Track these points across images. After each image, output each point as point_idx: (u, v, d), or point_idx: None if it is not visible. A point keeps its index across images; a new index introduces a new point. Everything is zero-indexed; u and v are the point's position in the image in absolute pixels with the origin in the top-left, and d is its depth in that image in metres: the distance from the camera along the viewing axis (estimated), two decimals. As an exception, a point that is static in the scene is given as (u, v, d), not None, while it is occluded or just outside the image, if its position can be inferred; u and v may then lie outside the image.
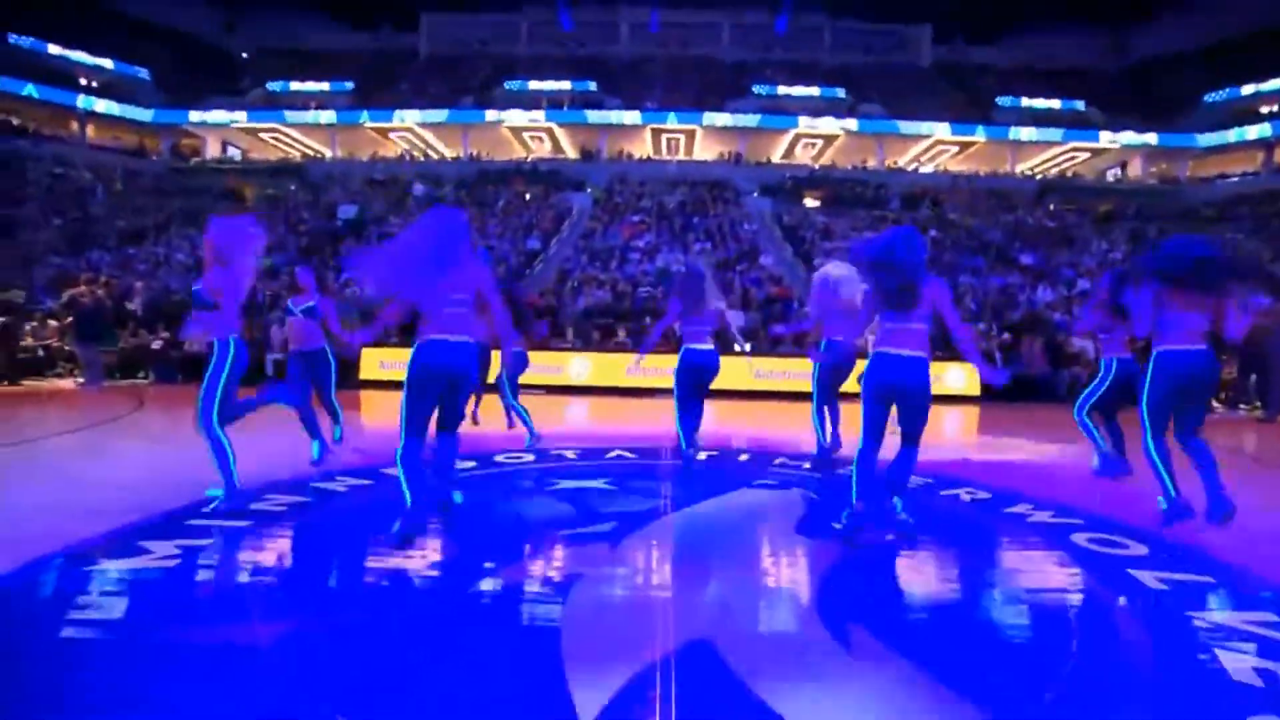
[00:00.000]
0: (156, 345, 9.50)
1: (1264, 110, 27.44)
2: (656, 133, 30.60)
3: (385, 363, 9.61)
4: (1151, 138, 28.91)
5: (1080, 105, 30.61)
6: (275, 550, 2.86)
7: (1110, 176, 30.66)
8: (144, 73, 30.02)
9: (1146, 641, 2.13)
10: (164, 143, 30.01)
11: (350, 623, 2.11)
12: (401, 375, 2.88)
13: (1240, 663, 1.88)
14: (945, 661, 1.90)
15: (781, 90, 30.99)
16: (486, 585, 2.52)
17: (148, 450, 5.12)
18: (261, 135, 30.66)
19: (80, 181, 22.85)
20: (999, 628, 2.27)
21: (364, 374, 9.62)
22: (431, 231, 2.87)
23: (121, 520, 2.97)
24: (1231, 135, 27.64)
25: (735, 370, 10.34)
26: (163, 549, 2.62)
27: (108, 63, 28.90)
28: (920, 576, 2.78)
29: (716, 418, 6.85)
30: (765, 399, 8.88)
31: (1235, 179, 26.90)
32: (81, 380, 8.75)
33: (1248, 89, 27.84)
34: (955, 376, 9.45)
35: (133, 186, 24.04)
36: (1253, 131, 26.94)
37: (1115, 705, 1.72)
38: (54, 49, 27.38)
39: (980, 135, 29.18)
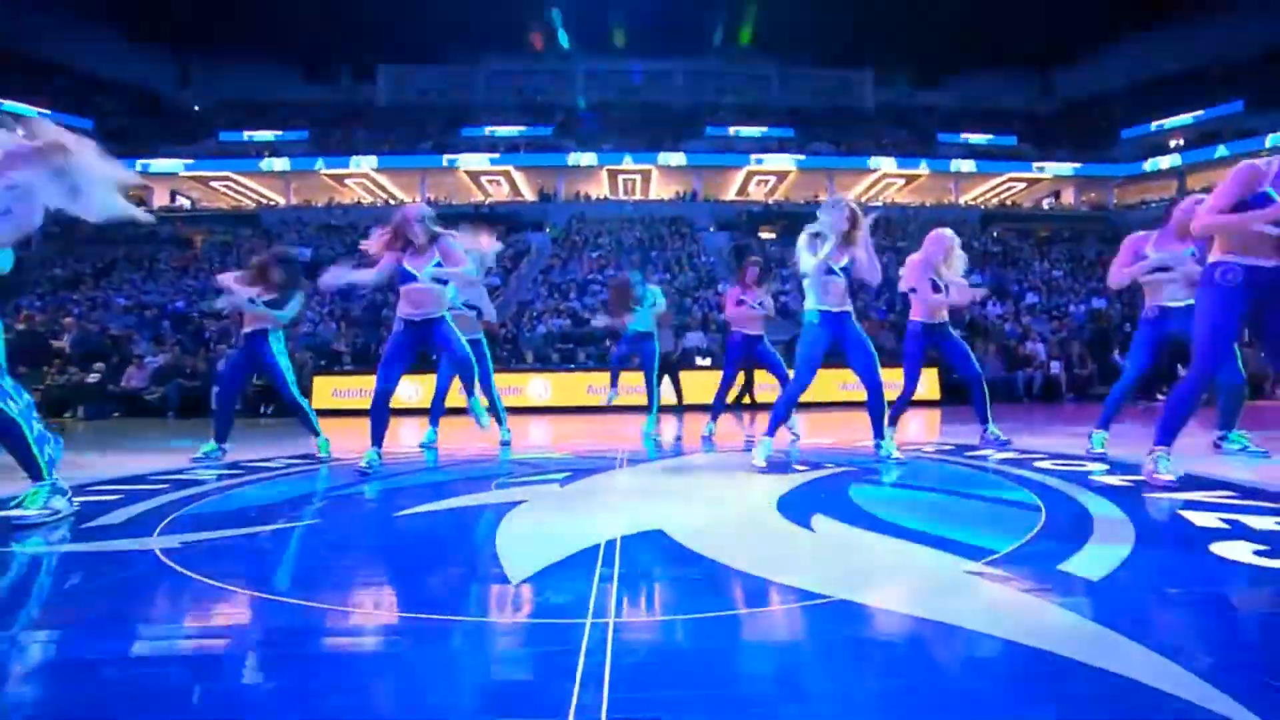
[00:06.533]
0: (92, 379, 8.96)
1: (1172, 144, 29.73)
2: (613, 174, 31.25)
3: (338, 391, 9.24)
4: (1076, 168, 30.89)
5: (1014, 140, 32.53)
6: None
7: (1045, 205, 32.38)
8: (86, 124, 29.39)
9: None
10: (109, 193, 29.26)
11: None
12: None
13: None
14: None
15: (733, 130, 32.11)
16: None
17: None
18: (213, 184, 30.20)
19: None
20: None
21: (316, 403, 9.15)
22: None
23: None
24: (1147, 165, 29.94)
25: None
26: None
27: (44, 114, 28.24)
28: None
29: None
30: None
31: (1154, 204, 28.76)
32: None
33: (1157, 124, 30.28)
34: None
35: (72, 236, 23.21)
36: (1165, 162, 29.32)
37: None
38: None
39: (924, 169, 30.63)
